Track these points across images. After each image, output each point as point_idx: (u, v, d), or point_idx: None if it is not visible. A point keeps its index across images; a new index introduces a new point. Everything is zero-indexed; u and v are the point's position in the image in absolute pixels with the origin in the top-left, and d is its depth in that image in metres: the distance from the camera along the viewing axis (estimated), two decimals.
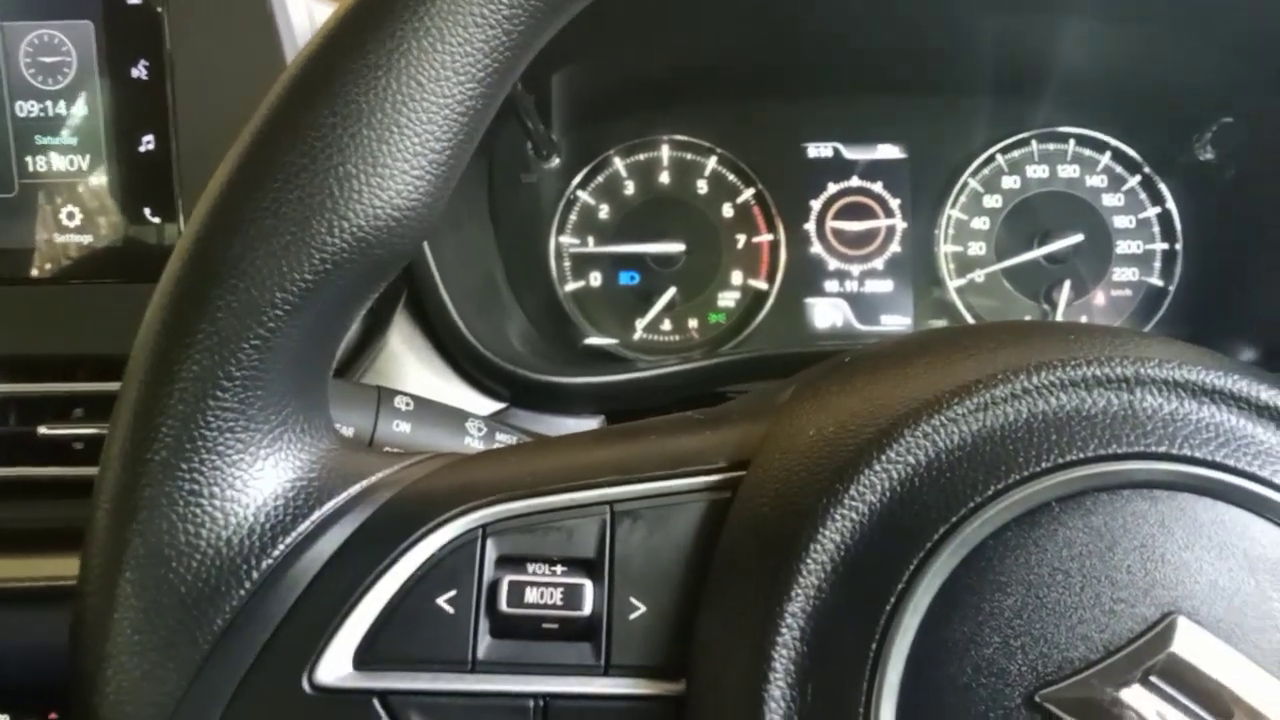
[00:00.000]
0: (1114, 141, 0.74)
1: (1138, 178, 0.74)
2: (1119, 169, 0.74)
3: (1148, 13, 0.64)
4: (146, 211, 0.56)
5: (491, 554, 0.28)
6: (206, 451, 0.27)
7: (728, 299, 0.76)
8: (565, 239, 0.76)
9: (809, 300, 0.76)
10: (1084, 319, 0.75)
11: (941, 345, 0.31)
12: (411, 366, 0.59)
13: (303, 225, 0.26)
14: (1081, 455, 0.25)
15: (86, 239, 0.56)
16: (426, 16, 0.27)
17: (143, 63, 0.55)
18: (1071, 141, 0.75)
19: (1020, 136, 0.75)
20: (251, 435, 0.27)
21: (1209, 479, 0.25)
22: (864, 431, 0.27)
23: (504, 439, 0.46)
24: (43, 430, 0.55)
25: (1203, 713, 0.24)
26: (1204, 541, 0.25)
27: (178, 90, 0.54)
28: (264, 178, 0.27)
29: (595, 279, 0.76)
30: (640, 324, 0.76)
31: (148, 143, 0.55)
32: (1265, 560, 0.25)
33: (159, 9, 0.54)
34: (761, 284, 0.76)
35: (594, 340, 0.75)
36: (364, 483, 0.29)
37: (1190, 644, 0.24)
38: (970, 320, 0.75)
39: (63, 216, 0.56)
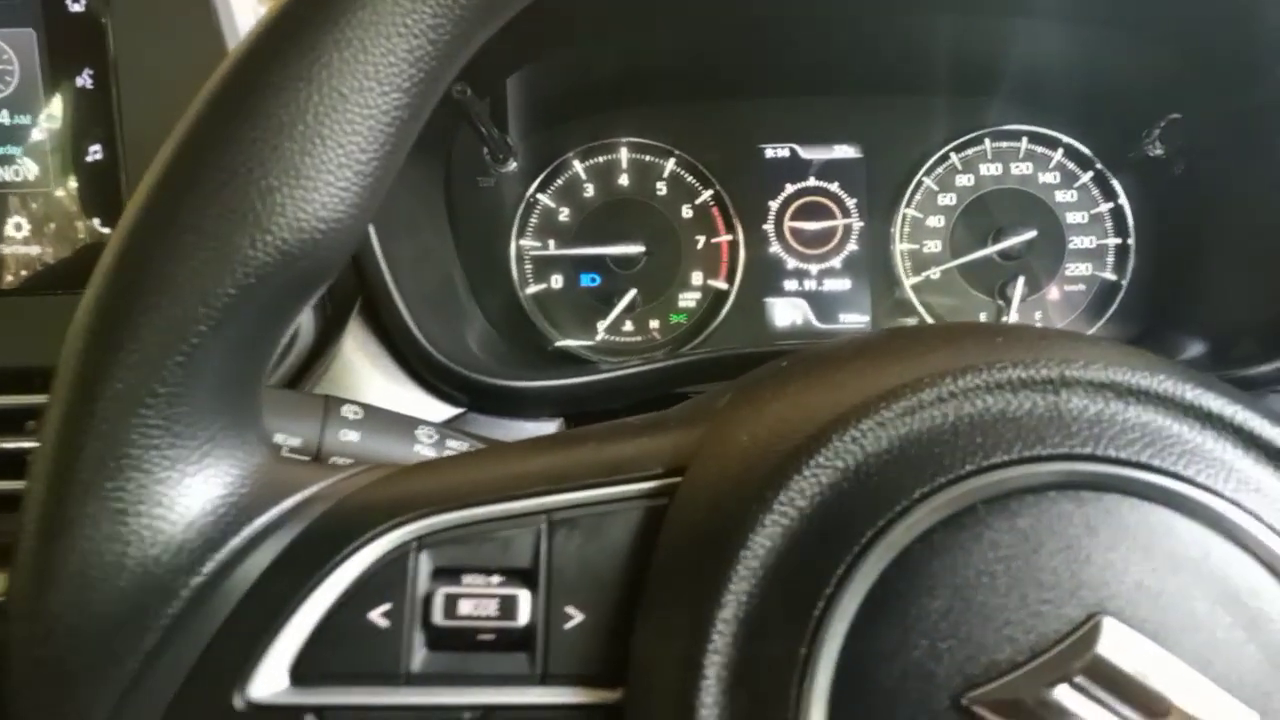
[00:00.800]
0: (1066, 138, 0.75)
1: (1090, 174, 0.75)
2: (1071, 165, 0.75)
3: (1097, 13, 0.65)
4: (96, 222, 0.55)
5: (426, 567, 0.28)
6: (132, 469, 0.27)
7: (688, 299, 0.76)
8: (525, 242, 0.76)
9: (769, 299, 0.77)
10: (1038, 314, 0.76)
11: (874, 350, 0.31)
12: (367, 374, 0.58)
13: (224, 240, 0.26)
14: (1006, 457, 0.25)
15: (35, 250, 0.56)
16: (348, 27, 0.27)
17: (87, 71, 0.54)
18: (1024, 139, 0.75)
19: (974, 135, 0.75)
20: (178, 452, 0.27)
21: (1134, 479, 0.25)
22: (794, 437, 0.27)
23: (456, 446, 0.46)
24: None
25: (1129, 712, 0.24)
26: (1129, 541, 0.25)
27: (124, 99, 0.54)
28: (185, 193, 0.26)
29: (556, 281, 0.76)
30: (602, 325, 0.76)
31: (95, 152, 0.55)
32: (1189, 559, 0.25)
33: (103, 19, 0.53)
34: (721, 284, 0.76)
35: (563, 344, 0.75)
36: (297, 497, 0.29)
37: (1116, 644, 0.24)
38: (927, 317, 0.76)
39: (10, 228, 0.56)
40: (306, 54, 0.26)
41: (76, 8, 0.53)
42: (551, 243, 0.76)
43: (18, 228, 0.56)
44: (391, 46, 0.27)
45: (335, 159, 0.27)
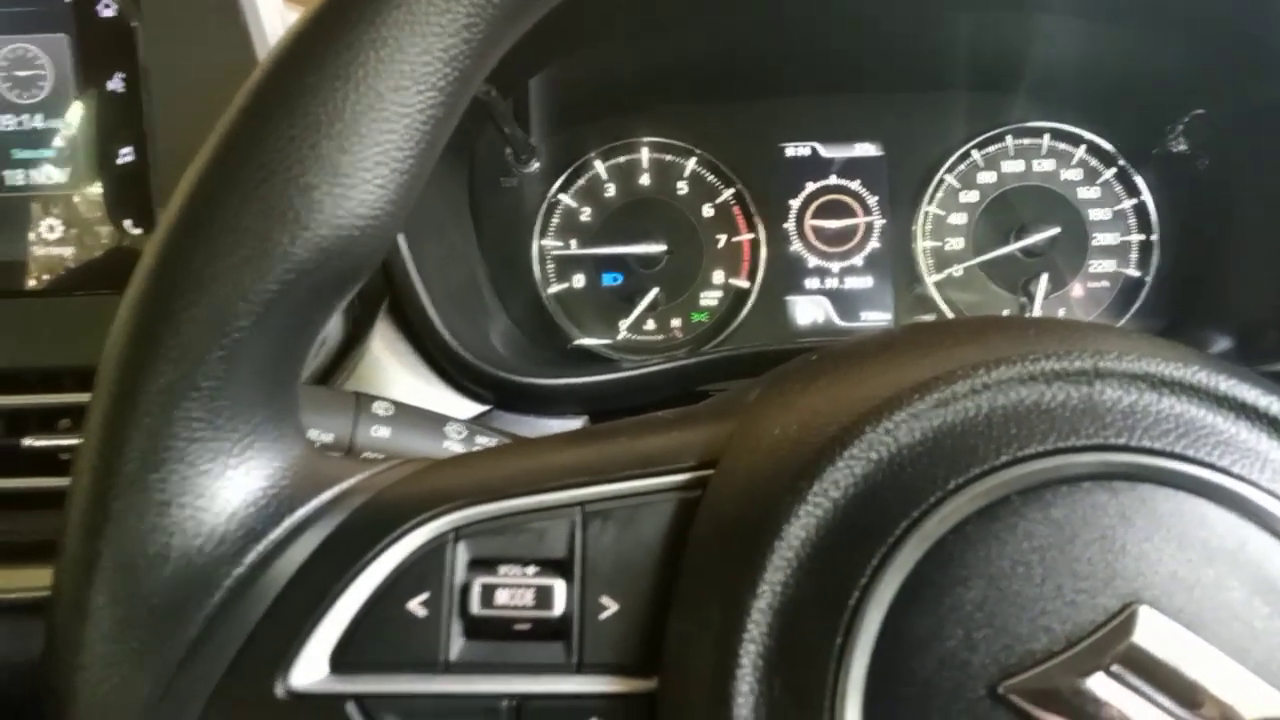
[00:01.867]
0: (1089, 135, 0.75)
1: (1113, 170, 0.75)
2: (1094, 162, 0.75)
3: (1119, 7, 0.64)
4: (127, 223, 0.56)
5: (463, 557, 0.28)
6: (175, 462, 0.27)
7: (710, 298, 0.77)
8: (548, 242, 0.77)
9: (790, 298, 0.77)
10: (1061, 311, 0.75)
11: (904, 343, 0.31)
12: (394, 371, 0.59)
13: (264, 237, 0.27)
14: (1040, 448, 0.26)
15: (68, 251, 0.57)
16: (384, 26, 0.27)
17: (118, 75, 0.55)
18: (1046, 136, 0.75)
19: (995, 132, 0.75)
20: (220, 445, 0.28)
21: (1168, 469, 0.25)
22: (827, 429, 0.27)
23: (484, 442, 0.47)
24: (28, 442, 0.55)
25: (1165, 700, 0.24)
26: (1163, 531, 0.25)
27: (154, 102, 0.54)
28: (225, 191, 0.27)
29: (578, 280, 0.77)
30: (624, 324, 0.76)
31: (126, 155, 0.55)
32: (1224, 549, 0.25)
33: (133, 22, 0.54)
34: (743, 282, 0.76)
35: (582, 341, 0.76)
36: (335, 489, 0.30)
37: (1151, 633, 0.24)
38: (950, 314, 0.76)
39: (43, 229, 0.57)
40: (344, 53, 0.27)
41: (108, 13, 0.54)
42: (573, 242, 0.76)
43: (50, 229, 0.57)
44: (427, 45, 0.27)
45: (372, 157, 0.27)
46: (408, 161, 0.28)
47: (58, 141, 0.56)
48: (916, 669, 0.25)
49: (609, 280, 0.77)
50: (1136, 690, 0.24)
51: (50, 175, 0.56)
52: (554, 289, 0.77)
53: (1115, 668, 0.24)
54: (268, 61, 0.28)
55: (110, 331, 0.28)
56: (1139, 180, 0.74)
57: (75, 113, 0.55)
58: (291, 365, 0.30)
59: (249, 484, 0.28)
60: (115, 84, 0.55)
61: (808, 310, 0.77)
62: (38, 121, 0.56)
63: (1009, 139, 0.75)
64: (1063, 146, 0.75)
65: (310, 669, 0.27)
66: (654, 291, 0.75)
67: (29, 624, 0.51)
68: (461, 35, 0.28)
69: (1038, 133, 0.75)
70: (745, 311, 0.76)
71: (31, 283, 0.56)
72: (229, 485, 0.28)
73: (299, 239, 0.27)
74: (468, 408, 0.61)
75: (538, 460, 0.31)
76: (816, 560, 0.26)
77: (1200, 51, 0.66)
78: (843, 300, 0.77)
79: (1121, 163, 0.75)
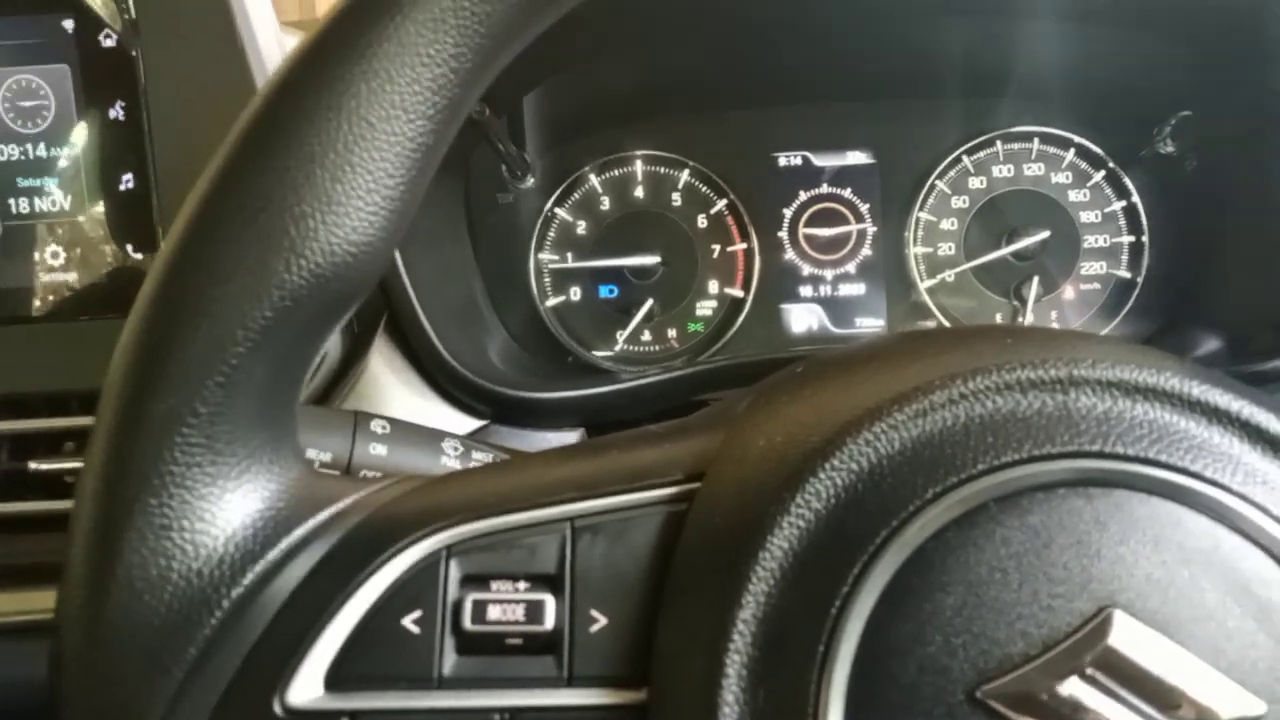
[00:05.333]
0: (1078, 138, 0.75)
1: (1102, 173, 0.75)
2: (1083, 165, 0.76)
3: (1105, 12, 0.65)
4: (129, 248, 0.57)
5: (455, 574, 0.29)
6: (175, 486, 0.28)
7: (705, 308, 0.77)
8: (544, 256, 0.78)
9: (784, 306, 0.77)
10: (1054, 314, 0.76)
11: (887, 353, 0.31)
12: (393, 388, 0.60)
13: (262, 264, 0.27)
14: (1016, 456, 0.26)
15: (72, 277, 0.57)
16: (374, 59, 0.28)
17: (119, 103, 0.56)
18: (1036, 140, 0.76)
19: (985, 137, 0.76)
20: (219, 469, 0.28)
21: (1142, 475, 0.26)
22: (809, 441, 0.28)
23: (480, 458, 0.47)
24: (34, 465, 0.56)
25: (1141, 703, 0.24)
26: (1138, 536, 0.26)
27: (154, 129, 0.55)
28: (223, 220, 0.28)
29: (575, 294, 0.78)
30: (621, 336, 0.77)
31: (127, 181, 0.56)
32: (1198, 551, 0.26)
33: (133, 51, 0.55)
34: (738, 292, 0.77)
35: (581, 354, 0.77)
36: (331, 509, 0.30)
37: (1127, 636, 0.25)
38: (943, 320, 0.76)
39: (47, 256, 0.57)
40: (335, 85, 0.28)
41: (108, 43, 0.55)
42: (570, 256, 0.77)
43: (54, 255, 0.57)
44: (416, 76, 0.28)
45: (365, 185, 0.28)
46: (399, 189, 0.29)
47: (61, 169, 0.57)
48: (897, 675, 0.25)
49: (605, 292, 0.77)
50: (1112, 693, 0.24)
51: (54, 202, 0.57)
52: (551, 302, 0.78)
53: (1091, 671, 0.24)
54: (264, 92, 0.29)
55: (113, 358, 0.29)
56: (1128, 182, 0.75)
57: (77, 141, 0.56)
58: (289, 389, 0.31)
59: (247, 506, 0.29)
60: (116, 112, 0.56)
61: (802, 318, 0.77)
62: (41, 150, 0.56)
63: (999, 144, 0.76)
64: (1052, 150, 0.76)
65: (307, 687, 0.28)
66: (650, 303, 0.76)
67: (30, 646, 0.51)
68: (449, 65, 0.29)
69: (1027, 137, 0.76)
70: (740, 320, 0.77)
71: (37, 308, 0.57)
72: (227, 508, 0.29)
73: (295, 266, 0.28)
74: (466, 423, 0.61)
75: (529, 476, 0.31)
76: (800, 570, 0.26)
77: (1187, 53, 0.66)
78: (836, 307, 0.78)
79: (1111, 165, 0.75)
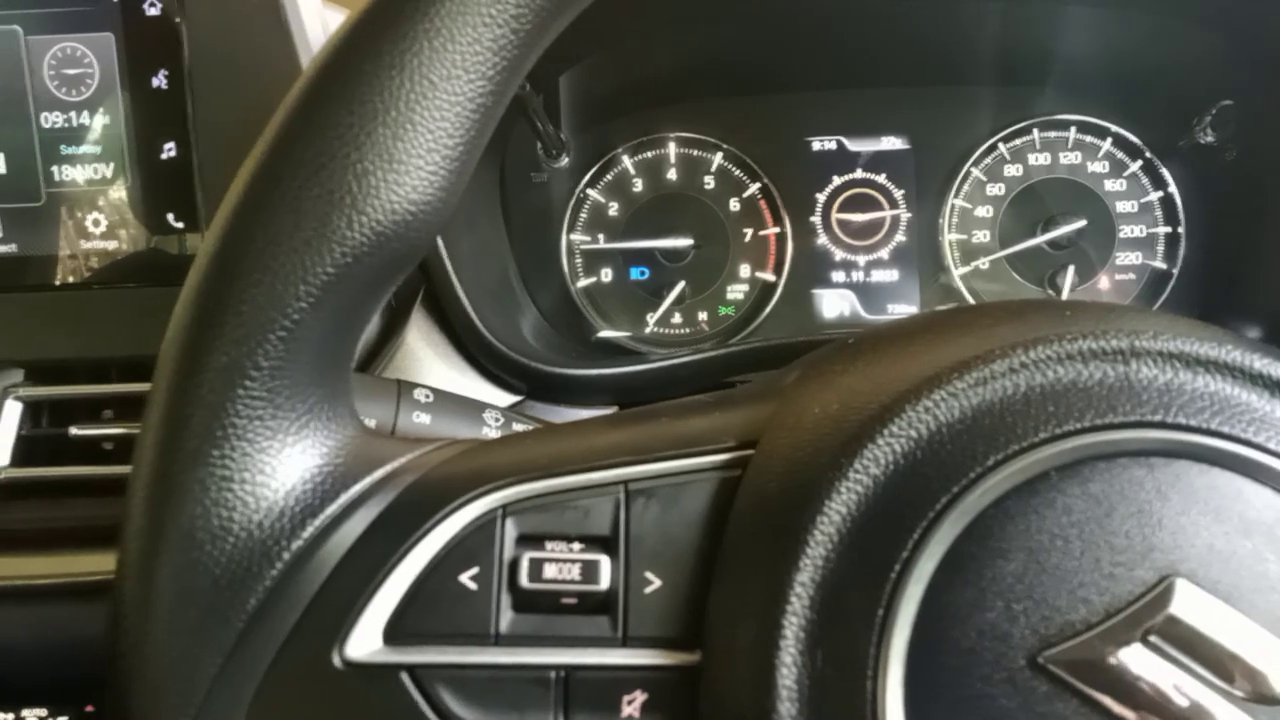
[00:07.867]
0: (1115, 127, 0.75)
1: (1139, 162, 0.75)
2: (1120, 154, 0.75)
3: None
4: (170, 217, 0.57)
5: (511, 533, 0.29)
6: (236, 439, 0.28)
7: (736, 291, 0.77)
8: (576, 236, 0.78)
9: (816, 291, 0.77)
10: None
11: (941, 324, 0.31)
12: (429, 362, 0.60)
13: (323, 220, 0.28)
14: (1078, 425, 0.26)
15: (112, 245, 0.58)
16: (437, 17, 0.28)
17: (162, 72, 0.56)
18: (1073, 129, 0.75)
19: (1021, 125, 0.75)
20: (279, 423, 0.29)
21: (1203, 445, 0.26)
22: (867, 408, 0.28)
23: (520, 429, 0.47)
24: (74, 431, 0.56)
25: (1202, 670, 0.24)
26: (1200, 506, 0.26)
27: (197, 98, 0.55)
28: (285, 176, 0.28)
29: (606, 275, 0.78)
30: (651, 318, 0.77)
31: (169, 150, 0.57)
32: (1260, 523, 0.26)
33: (177, 20, 0.55)
34: (769, 276, 0.77)
35: (606, 334, 0.77)
36: (388, 467, 0.31)
37: (1189, 605, 0.25)
38: None
39: (89, 224, 0.58)
40: (399, 43, 0.28)
41: (153, 11, 0.55)
42: (601, 237, 0.77)
43: (95, 224, 0.58)
44: (478, 35, 0.28)
45: (425, 143, 0.28)
46: (458, 149, 0.29)
47: (103, 137, 0.57)
48: (958, 639, 0.25)
49: (636, 274, 0.78)
50: (1173, 660, 0.24)
51: (96, 171, 0.58)
52: (582, 283, 0.78)
53: (1152, 638, 0.25)
54: (326, 50, 0.29)
55: (174, 312, 0.29)
56: (1166, 172, 0.74)
57: (120, 109, 0.57)
58: (346, 347, 0.31)
59: (306, 461, 0.29)
60: (159, 81, 0.56)
61: (833, 303, 0.77)
62: (84, 118, 0.57)
63: (1035, 132, 0.76)
64: (1089, 139, 0.75)
65: (365, 640, 0.28)
66: (681, 285, 0.76)
67: (83, 608, 0.52)
68: (510, 25, 0.29)
69: (1064, 125, 0.75)
70: (771, 305, 0.77)
71: (76, 275, 0.58)
72: (287, 462, 0.29)
73: (356, 223, 0.28)
74: (500, 398, 0.62)
75: (582, 440, 0.31)
76: (858, 535, 0.26)
77: (1226, 43, 0.65)
78: (868, 293, 0.77)
79: (1148, 155, 0.75)
